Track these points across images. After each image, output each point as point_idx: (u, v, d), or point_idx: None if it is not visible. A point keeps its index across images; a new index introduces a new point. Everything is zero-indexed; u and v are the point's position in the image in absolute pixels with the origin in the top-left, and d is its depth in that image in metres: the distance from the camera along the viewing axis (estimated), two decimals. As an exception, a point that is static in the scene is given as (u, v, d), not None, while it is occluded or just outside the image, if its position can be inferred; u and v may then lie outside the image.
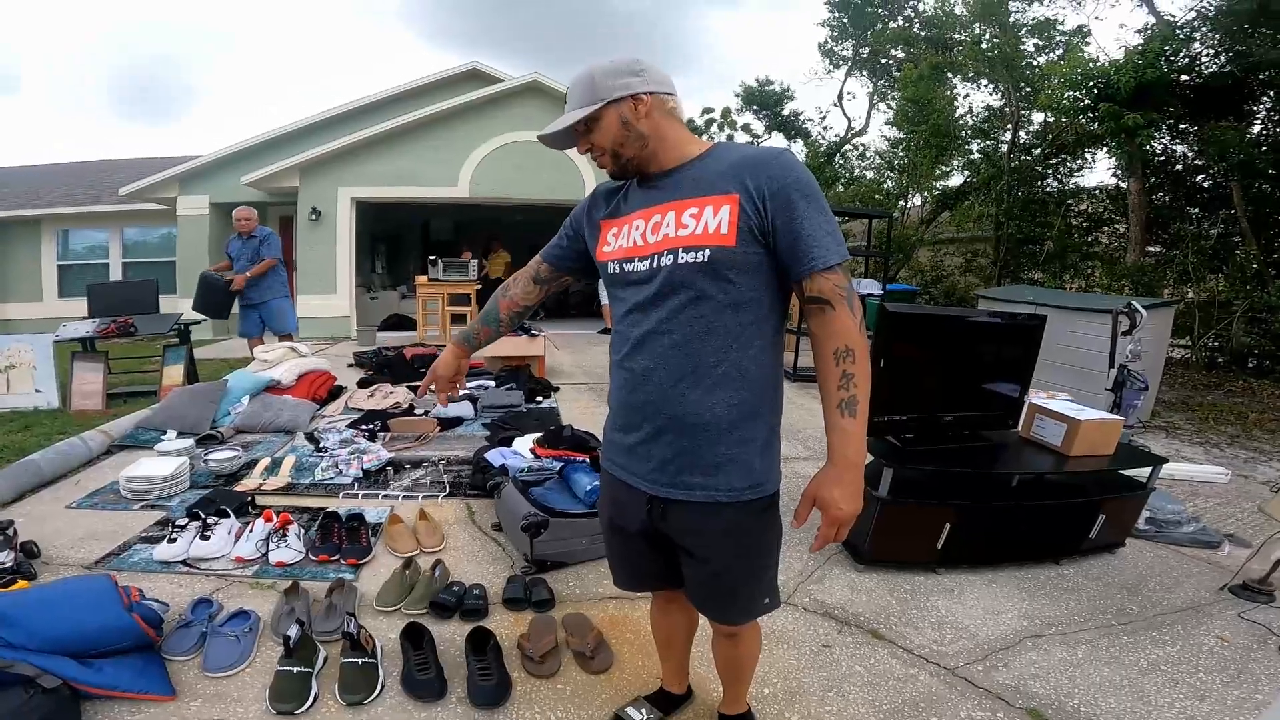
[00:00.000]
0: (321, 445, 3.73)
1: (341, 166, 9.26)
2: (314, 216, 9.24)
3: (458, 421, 4.53)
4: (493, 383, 5.72)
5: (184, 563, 2.36)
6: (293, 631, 1.78)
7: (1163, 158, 9.94)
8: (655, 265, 1.18)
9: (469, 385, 5.63)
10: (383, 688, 1.77)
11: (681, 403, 1.19)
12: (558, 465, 3.00)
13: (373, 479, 3.34)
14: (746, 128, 19.78)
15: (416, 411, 4.78)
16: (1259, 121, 9.20)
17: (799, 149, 18.69)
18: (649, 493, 1.27)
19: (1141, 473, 2.77)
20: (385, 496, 3.13)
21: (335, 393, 5.30)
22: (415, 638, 1.90)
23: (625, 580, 1.52)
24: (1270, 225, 8.99)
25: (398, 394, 5.18)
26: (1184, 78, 9.06)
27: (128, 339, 5.13)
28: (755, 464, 1.23)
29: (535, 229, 11.99)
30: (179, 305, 8.90)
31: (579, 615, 2.14)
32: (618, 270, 1.25)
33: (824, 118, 21.13)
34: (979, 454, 2.73)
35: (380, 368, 6.34)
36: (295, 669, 1.73)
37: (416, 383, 5.71)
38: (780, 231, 1.12)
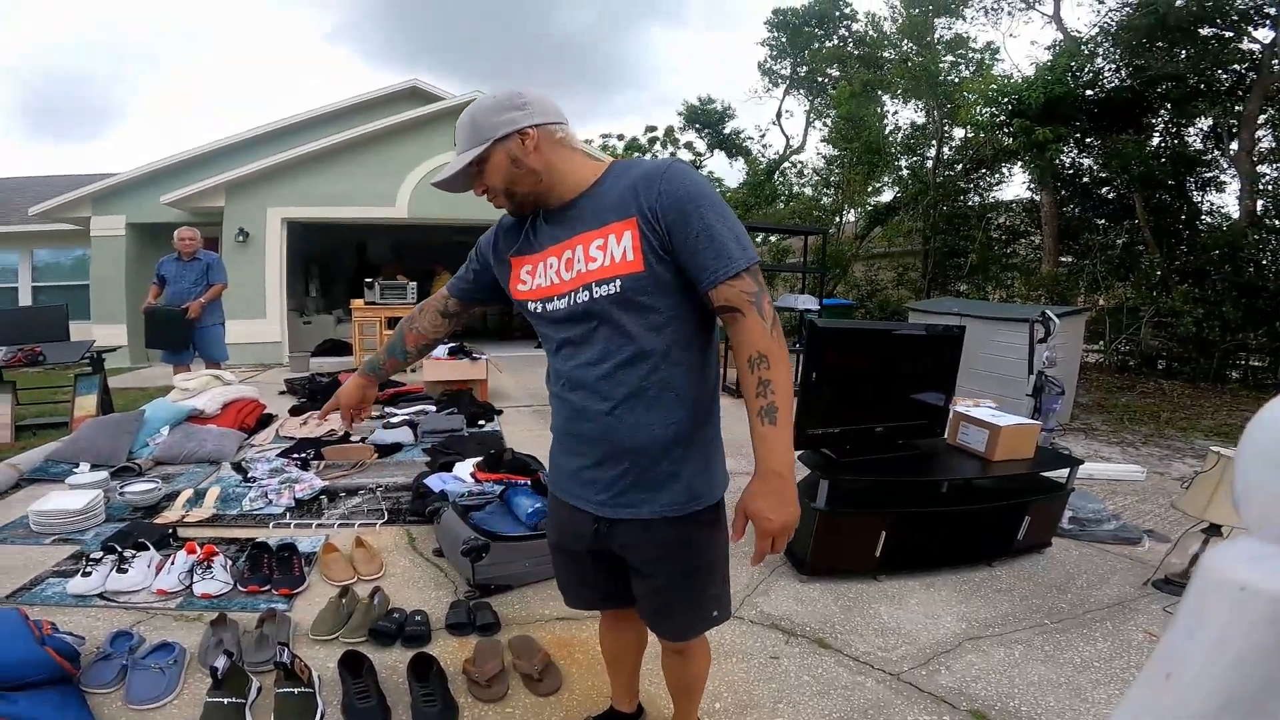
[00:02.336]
0: (250, 475, 3.57)
1: (271, 185, 8.86)
2: (241, 238, 8.84)
3: (396, 448, 4.42)
4: (433, 407, 5.60)
5: (101, 596, 2.21)
6: (220, 662, 1.69)
7: (1071, 171, 10.51)
8: (573, 302, 1.17)
9: (408, 410, 5.50)
10: (322, 717, 1.71)
11: (619, 429, 1.19)
12: (499, 489, 2.94)
13: (305, 508, 3.20)
14: (689, 146, 20.12)
15: (353, 439, 4.63)
16: (1157, 134, 9.84)
17: (739, 167, 19.05)
18: (595, 514, 1.27)
19: (1062, 474, 2.91)
20: (319, 525, 3.01)
21: (265, 421, 5.07)
22: (354, 666, 1.82)
23: (575, 599, 1.51)
24: (1171, 234, 9.61)
25: (332, 421, 4.99)
26: (1089, 92, 9.63)
27: (36, 368, 4.79)
28: (697, 478, 1.24)
29: None
30: (94, 331, 8.37)
31: (525, 638, 2.10)
32: (540, 309, 1.24)
33: (763, 136, 21.59)
34: (910, 462, 2.82)
35: (314, 394, 6.12)
36: (226, 700, 1.65)
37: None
38: (678, 247, 1.11)
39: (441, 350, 7.88)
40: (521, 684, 1.92)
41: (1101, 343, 9.03)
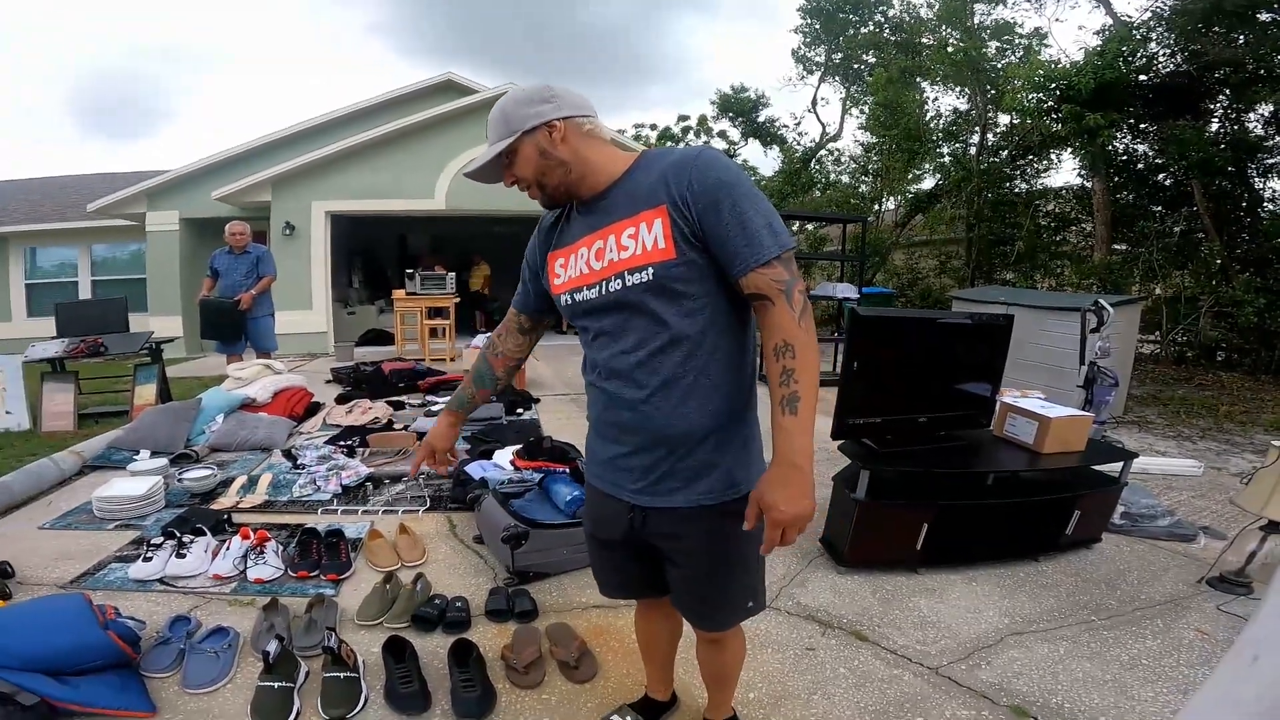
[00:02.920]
0: (299, 462, 3.69)
1: (314, 180, 9.07)
2: (288, 231, 9.07)
3: (438, 434, 4.50)
4: (473, 395, 5.69)
5: (160, 581, 2.32)
6: (272, 647, 1.76)
7: (1125, 157, 10.10)
8: (605, 291, 1.19)
9: (445, 399, 5.59)
10: (366, 701, 1.76)
11: (655, 417, 1.19)
12: (538, 477, 3.00)
13: (352, 495, 3.31)
14: (723, 134, 19.92)
15: (396, 426, 4.74)
16: (1216, 120, 9.38)
17: (774, 155, 18.78)
18: (631, 502, 1.28)
19: (1114, 468, 2.83)
20: (365, 512, 3.10)
21: (312, 409, 5.23)
22: (397, 651, 1.88)
23: (611, 589, 1.53)
24: (1231, 221, 9.19)
25: (376, 409, 5.13)
26: (1142, 78, 9.24)
27: (98, 358, 5.03)
28: (734, 466, 1.24)
29: (515, 241, 11.96)
30: (150, 323, 8.83)
31: (563, 625, 2.13)
32: (570, 301, 1.27)
33: (798, 123, 21.36)
34: (953, 453, 2.76)
35: (358, 383, 6.28)
36: (276, 684, 1.71)
37: (397, 398, 5.68)
38: (709, 235, 1.12)
39: (480, 339, 8.01)
40: (558, 671, 1.95)
41: (1157, 333, 8.69)
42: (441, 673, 1.89)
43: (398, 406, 5.43)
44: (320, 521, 2.93)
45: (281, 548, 2.55)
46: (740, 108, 19.29)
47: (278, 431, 4.30)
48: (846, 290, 6.93)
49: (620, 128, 10.58)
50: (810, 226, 13.90)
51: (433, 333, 8.47)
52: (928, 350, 2.78)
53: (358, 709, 1.72)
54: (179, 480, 3.25)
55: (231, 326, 5.68)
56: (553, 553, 2.47)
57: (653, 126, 20.96)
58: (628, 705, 1.76)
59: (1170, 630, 2.27)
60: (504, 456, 3.47)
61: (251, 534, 2.52)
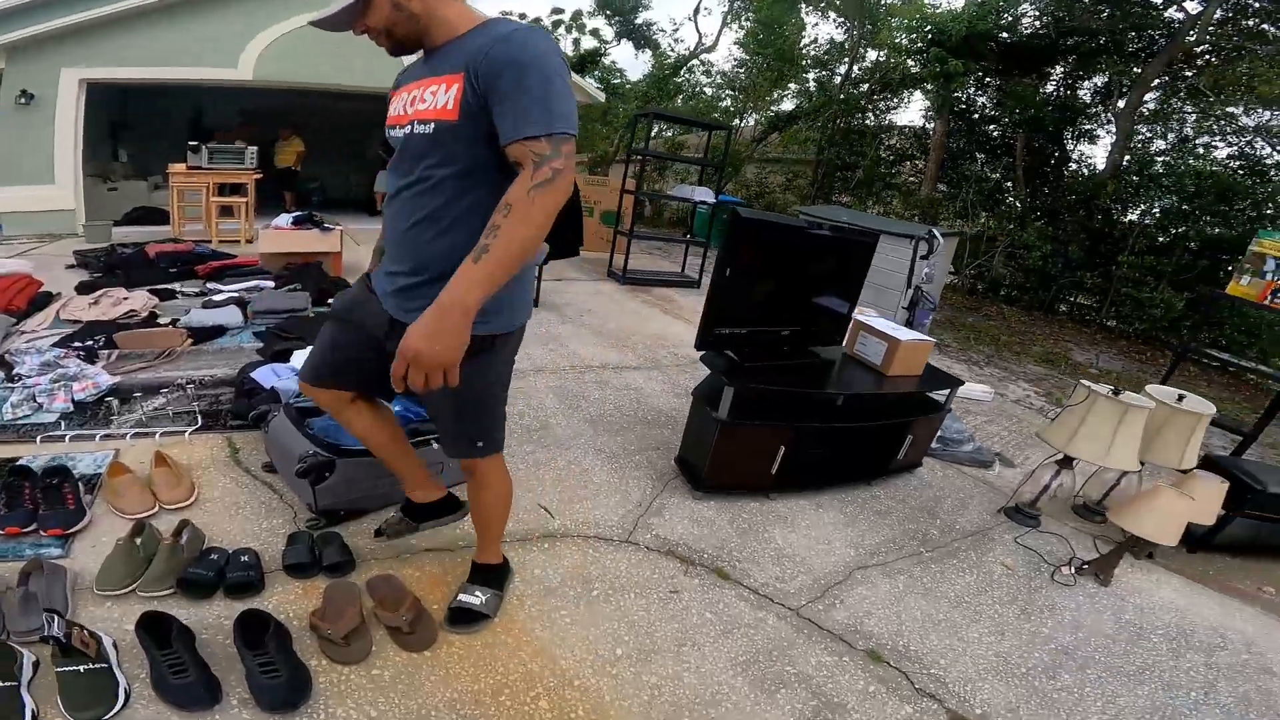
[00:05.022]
0: (14, 373, 2.78)
1: (69, 46, 7.32)
2: (24, 100, 7.27)
3: (219, 332, 3.67)
4: (271, 283, 4.78)
5: None
6: None
7: (964, 105, 11.02)
8: (405, 133, 1.31)
9: (237, 287, 4.66)
10: (128, 697, 1.33)
11: (414, 244, 1.33)
12: None
13: (87, 414, 2.54)
14: (595, 32, 19.37)
15: (160, 320, 3.82)
16: (1053, 82, 10.43)
17: (645, 59, 18.58)
18: (387, 310, 1.40)
19: (940, 394, 2.93)
20: (105, 436, 2.37)
21: (42, 302, 4.06)
22: (157, 631, 1.41)
23: (316, 370, 1.58)
24: (1038, 175, 10.42)
25: (134, 300, 4.09)
26: (1004, 35, 9.94)
27: None
28: None
29: (347, 116, 10.40)
30: None
31: (387, 578, 1.75)
32: (388, 134, 1.39)
33: (676, 30, 20.96)
34: (811, 372, 2.70)
35: (111, 268, 5.03)
36: None
37: (165, 285, 4.61)
38: (490, 106, 1.17)
39: (285, 219, 6.87)
40: (389, 638, 1.60)
41: (956, 265, 9.71)
42: (231, 653, 1.46)
43: (166, 296, 4.39)
44: (40, 453, 2.19)
45: (-27, 491, 1.83)
46: (618, 7, 18.50)
47: (-18, 327, 3.23)
48: (704, 194, 6.95)
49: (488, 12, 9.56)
50: (670, 131, 13.97)
51: (226, 211, 7.22)
52: (799, 261, 2.64)
53: (117, 709, 1.29)
54: None
55: None
56: (367, 484, 2.02)
57: (521, 15, 19.38)
58: (398, 509, 1.87)
59: (982, 564, 2.42)
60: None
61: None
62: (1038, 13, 10.01)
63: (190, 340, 3.46)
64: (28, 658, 1.35)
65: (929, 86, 10.65)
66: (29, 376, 2.72)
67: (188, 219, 7.46)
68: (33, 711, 1.26)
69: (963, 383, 3.09)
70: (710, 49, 18.07)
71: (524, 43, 1.16)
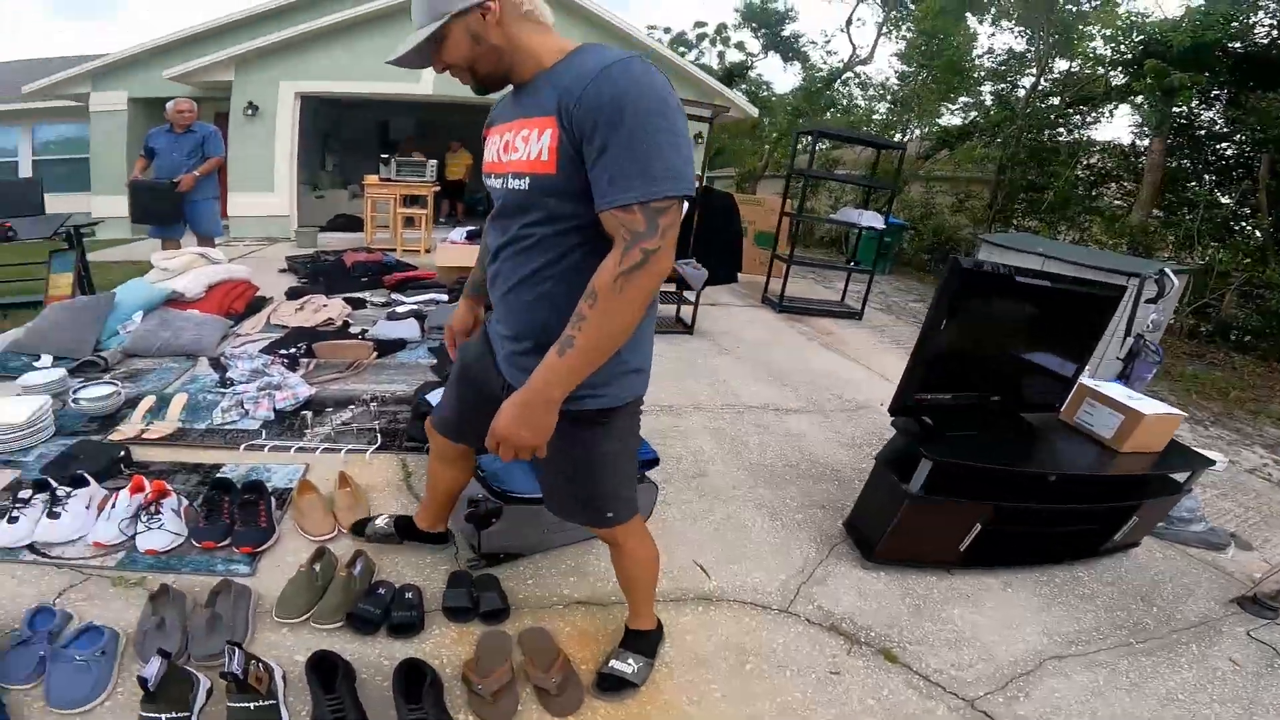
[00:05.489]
0: (228, 375, 3.14)
1: (285, 59, 8.40)
2: (250, 112, 8.46)
3: (400, 345, 3.94)
4: (445, 297, 5.09)
5: (30, 548, 1.82)
6: (151, 670, 1.30)
7: (1184, 121, 9.39)
8: (501, 186, 1.21)
9: (416, 300, 5.01)
10: None
11: (515, 309, 1.26)
12: None
13: (286, 424, 2.78)
14: (740, 45, 19.21)
15: (351, 330, 4.17)
16: None
17: (795, 71, 18.38)
18: (500, 372, 1.37)
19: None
20: (299, 450, 2.57)
21: (256, 305, 4.61)
22: (326, 675, 1.45)
23: (444, 421, 1.67)
24: None
25: (331, 308, 4.53)
26: (1235, 44, 8.49)
27: (9, 243, 4.31)
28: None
29: None
30: (93, 203, 8.67)
31: (540, 632, 1.73)
32: (485, 182, 1.30)
33: (828, 42, 21.22)
34: (1022, 443, 2.35)
35: (315, 275, 5.62)
36: (163, 715, 1.28)
37: (357, 294, 5.07)
38: (585, 157, 1.05)
39: (459, 233, 7.36)
40: (534, 698, 1.56)
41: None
42: (386, 695, 1.48)
43: (357, 305, 4.82)
44: (241, 461, 2.43)
45: (185, 502, 2.04)
46: (765, 19, 18.39)
47: (208, 333, 3.70)
48: (872, 219, 6.41)
49: (634, 32, 9.65)
50: (822, 146, 13.57)
51: (409, 222, 7.89)
52: (1026, 317, 2.29)
53: None
54: (73, 401, 2.66)
55: (166, 209, 4.99)
56: (530, 530, 2.03)
57: (666, 29, 19.84)
58: (392, 517, 2.01)
59: (1206, 659, 2.03)
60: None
61: (146, 485, 2.00)
62: (1275, 21, 8.35)
63: (375, 354, 3.73)
64: (204, 685, 1.43)
65: (1139, 100, 9.26)
66: (240, 382, 3.05)
67: (377, 228, 8.19)
68: None
69: (1214, 463, 2.58)
70: (864, 60, 17.24)
71: (622, 82, 1.01)
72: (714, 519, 2.45)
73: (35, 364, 3.12)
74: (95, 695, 1.39)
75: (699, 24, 19.52)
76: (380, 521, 1.98)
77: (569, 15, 8.97)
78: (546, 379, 1.09)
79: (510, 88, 1.23)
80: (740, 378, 4.10)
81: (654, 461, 2.24)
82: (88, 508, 1.93)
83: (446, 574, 1.91)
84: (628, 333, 1.09)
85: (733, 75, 18.33)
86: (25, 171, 10.66)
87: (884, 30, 16.53)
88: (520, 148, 1.13)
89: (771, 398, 3.81)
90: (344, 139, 11.37)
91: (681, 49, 18.56)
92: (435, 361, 3.66)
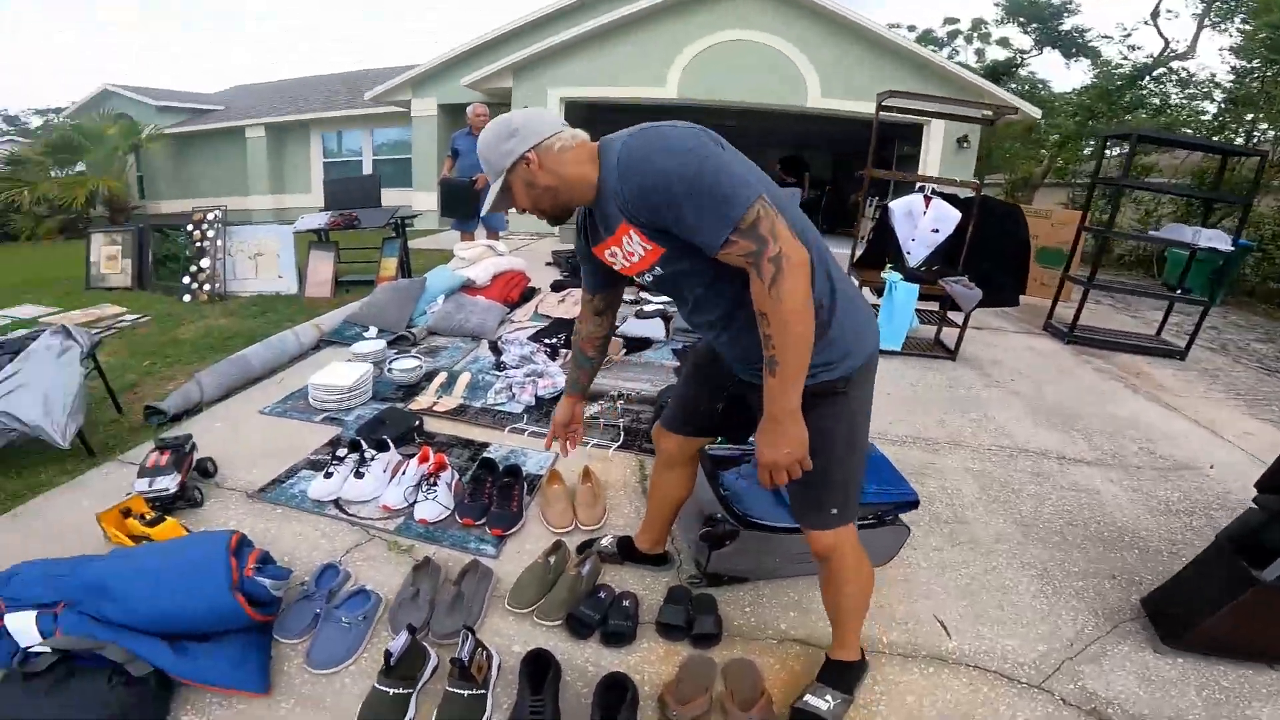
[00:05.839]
0: (501, 359, 3.55)
1: (549, 67, 9.29)
2: None
3: (645, 344, 4.10)
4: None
5: (335, 503, 2.22)
6: (397, 644, 1.49)
7: None
8: (648, 280, 1.36)
9: (662, 299, 5.19)
10: None
11: (731, 347, 1.42)
12: None
13: (543, 410, 3.05)
14: (1004, 42, 16.96)
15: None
16: None
17: (1081, 68, 15.66)
18: (737, 375, 1.49)
19: None
20: (555, 438, 2.77)
21: (528, 295, 5.17)
22: (536, 675, 1.53)
23: (672, 417, 1.76)
24: None
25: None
26: None
27: (354, 230, 5.37)
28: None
29: (752, 136, 11.06)
30: (414, 198, 10.32)
31: (747, 664, 1.64)
32: (639, 283, 1.43)
33: (1127, 36, 17.20)
34: None
35: (575, 270, 6.12)
36: (391, 690, 1.45)
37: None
38: (675, 231, 1.19)
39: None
40: (730, 734, 1.49)
41: None
42: (582, 702, 1.53)
43: (610, 302, 5.14)
44: (504, 442, 2.71)
45: (456, 477, 2.34)
46: (1037, 14, 16.03)
47: (490, 318, 4.23)
48: (1217, 240, 5.06)
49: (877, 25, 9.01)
50: (1117, 150, 11.35)
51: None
52: None
53: None
54: (388, 370, 3.24)
55: (467, 205, 5.77)
56: (761, 556, 1.94)
57: (910, 28, 18.20)
58: (615, 538, 2.03)
59: None
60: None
61: (430, 456, 2.33)
62: None
63: (624, 350, 3.93)
64: (433, 662, 1.58)
65: None
66: (511, 366, 3.42)
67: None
68: (410, 718, 1.45)
69: None
70: (1183, 56, 14.00)
71: (638, 162, 1.17)
72: (968, 572, 2.14)
73: (364, 334, 3.84)
74: (346, 659, 1.60)
75: (950, 19, 17.41)
76: (605, 541, 2.02)
77: (804, 14, 8.56)
78: (774, 397, 1.20)
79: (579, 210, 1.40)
80: (1014, 415, 3.54)
81: (913, 504, 2.01)
82: (385, 471, 2.30)
83: (666, 587, 1.92)
84: (810, 328, 1.16)
85: (999, 74, 16.10)
86: (368, 169, 12.81)
87: (1208, 22, 13.40)
88: (626, 259, 1.32)
89: (1054, 443, 3.22)
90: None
91: (931, 46, 16.80)
92: (678, 364, 3.74)
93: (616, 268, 1.38)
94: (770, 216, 1.14)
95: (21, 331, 3.03)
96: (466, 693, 1.45)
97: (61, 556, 1.72)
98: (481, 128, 5.58)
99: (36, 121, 23.89)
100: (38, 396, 2.43)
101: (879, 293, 4.32)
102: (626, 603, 1.81)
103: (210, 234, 5.26)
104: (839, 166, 12.30)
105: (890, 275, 4.16)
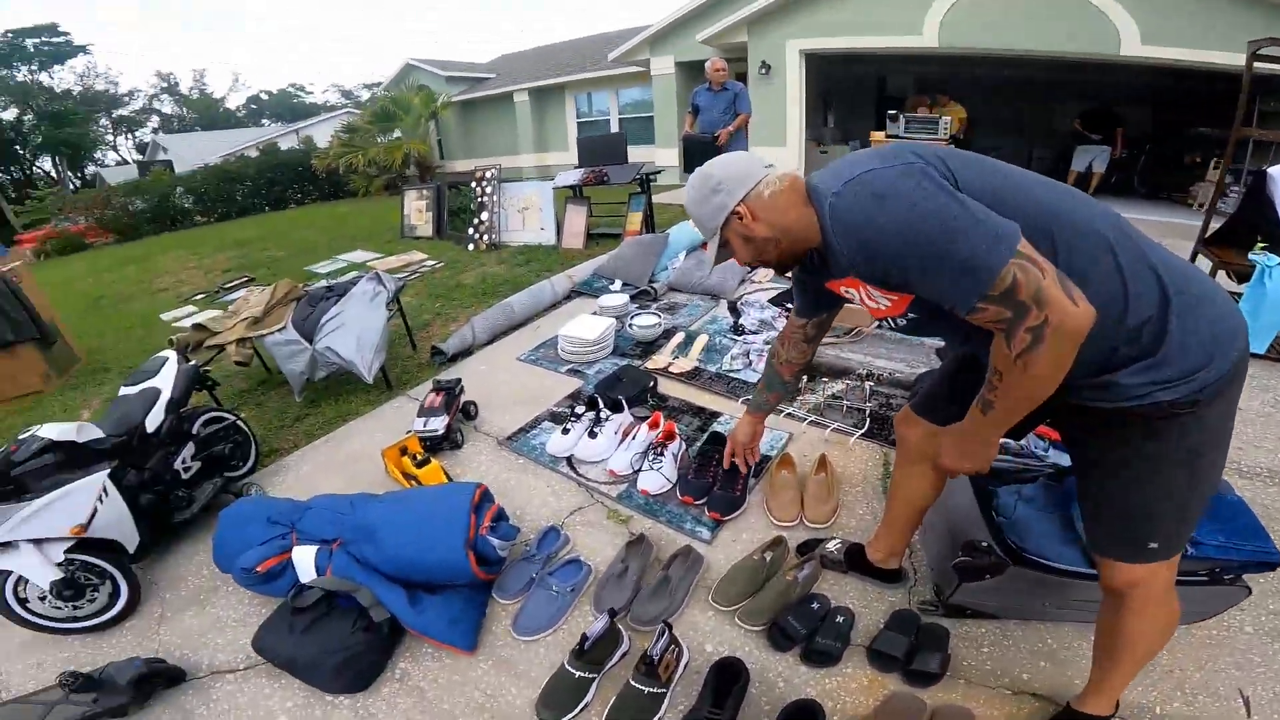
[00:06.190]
0: (739, 322, 3.41)
1: (788, 18, 8.61)
2: (763, 70, 8.99)
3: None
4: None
5: (568, 461, 2.31)
6: (595, 628, 1.50)
7: None
8: (903, 319, 1.23)
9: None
10: None
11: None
12: (1063, 460, 1.84)
13: (782, 381, 2.85)
14: None
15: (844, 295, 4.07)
16: None
17: None
18: None
19: None
20: (788, 415, 2.57)
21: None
22: (724, 683, 1.43)
23: (929, 398, 1.49)
24: None
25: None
26: None
27: (603, 186, 5.65)
28: (1128, 376, 1.03)
29: (1037, 88, 9.28)
30: (656, 155, 10.48)
31: (962, 713, 1.38)
32: (894, 326, 1.28)
33: None
34: None
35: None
36: (578, 674, 1.47)
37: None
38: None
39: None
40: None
41: None
42: (765, 718, 1.41)
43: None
44: (736, 414, 2.58)
45: (684, 447, 2.29)
46: None
47: (730, 276, 4.09)
48: None
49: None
50: None
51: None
52: None
53: None
54: (629, 325, 3.31)
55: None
56: (1027, 600, 1.59)
57: None
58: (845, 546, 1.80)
59: None
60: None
61: (661, 422, 2.31)
62: None
63: (876, 324, 3.52)
64: (623, 648, 1.55)
65: None
66: (749, 331, 3.28)
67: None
68: (584, 704, 1.45)
69: None
70: None
71: (855, 227, 1.04)
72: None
73: (610, 287, 3.98)
74: (547, 629, 1.66)
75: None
76: (831, 545, 1.81)
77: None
78: (974, 429, 1.15)
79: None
80: None
81: (1272, 565, 1.49)
82: (616, 433, 2.33)
83: (891, 608, 1.68)
84: (1049, 390, 1.02)
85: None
86: (614, 128, 13.38)
87: None
88: (873, 301, 1.20)
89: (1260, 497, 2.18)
90: (842, 96, 11.17)
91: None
92: (943, 344, 3.26)
93: (865, 304, 1.26)
94: (1031, 275, 0.93)
95: (351, 274, 3.62)
96: (646, 689, 1.41)
97: (351, 488, 2.03)
98: (720, 82, 5.49)
99: (364, 95, 29.02)
100: (352, 335, 2.88)
101: (1240, 278, 3.29)
102: (840, 619, 1.62)
103: (488, 190, 5.95)
104: (1162, 122, 9.77)
105: (1263, 258, 3.11)
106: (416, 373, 3.30)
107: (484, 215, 5.91)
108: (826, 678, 1.52)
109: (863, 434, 2.43)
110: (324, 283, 3.40)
